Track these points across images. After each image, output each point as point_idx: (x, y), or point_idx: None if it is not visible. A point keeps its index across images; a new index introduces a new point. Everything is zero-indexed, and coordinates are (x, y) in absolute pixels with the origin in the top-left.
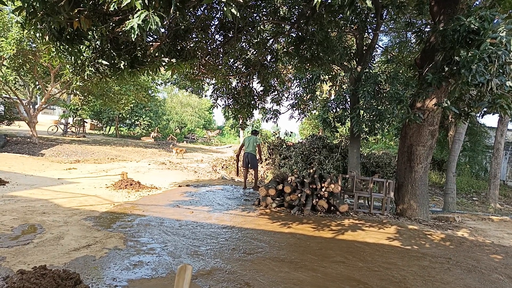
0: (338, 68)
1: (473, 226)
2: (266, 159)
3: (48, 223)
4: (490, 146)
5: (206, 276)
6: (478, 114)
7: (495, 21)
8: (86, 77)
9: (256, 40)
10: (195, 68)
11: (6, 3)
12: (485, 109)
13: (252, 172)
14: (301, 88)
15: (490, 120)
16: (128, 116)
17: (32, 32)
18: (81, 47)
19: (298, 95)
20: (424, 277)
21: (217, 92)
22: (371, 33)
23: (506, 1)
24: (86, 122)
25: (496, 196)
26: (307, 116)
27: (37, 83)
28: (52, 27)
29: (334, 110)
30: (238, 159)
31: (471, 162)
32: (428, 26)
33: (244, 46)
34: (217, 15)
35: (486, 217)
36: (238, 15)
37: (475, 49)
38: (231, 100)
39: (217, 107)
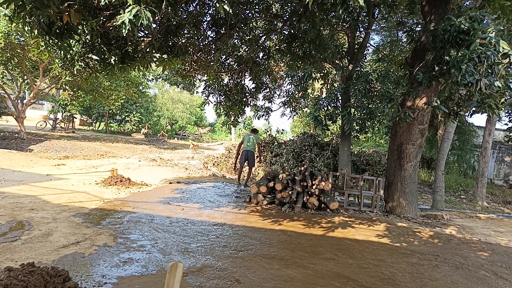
0: (330, 66)
1: (461, 223)
2: (257, 156)
3: (36, 219)
4: (478, 145)
5: (196, 273)
6: (467, 114)
7: (484, 22)
8: (75, 72)
9: (248, 37)
10: (187, 64)
11: None
12: (474, 109)
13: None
14: (293, 85)
15: (479, 120)
16: (118, 112)
17: (20, 26)
18: (70, 42)
19: (290, 93)
20: (412, 274)
21: (209, 89)
22: (363, 32)
23: (495, 2)
24: (76, 118)
25: (484, 194)
26: (299, 114)
27: (25, 77)
28: (41, 20)
29: (326, 108)
30: (238, 156)
31: (460, 160)
32: (419, 26)
33: (236, 42)
34: (209, 11)
35: (473, 215)
36: (230, 11)
37: (465, 49)
38: (222, 97)
39: (208, 103)
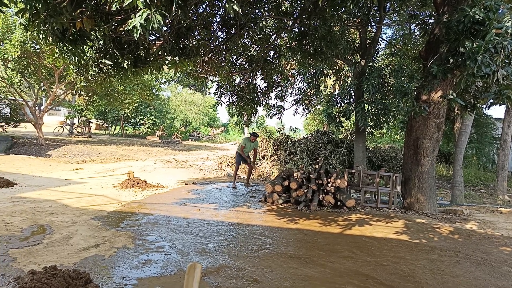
0: (342, 62)
1: (482, 218)
2: (271, 155)
3: (57, 223)
4: (497, 137)
5: (214, 273)
6: (484, 106)
7: (500, 11)
8: (90, 77)
9: (258, 36)
10: (198, 66)
11: (8, 5)
12: (491, 100)
13: (254, 170)
14: (305, 83)
15: (497, 111)
16: (133, 115)
17: (35, 34)
18: (84, 48)
19: (302, 91)
20: (433, 271)
21: (221, 89)
22: (374, 26)
23: None
24: (92, 122)
25: (505, 188)
26: (312, 112)
27: (42, 84)
28: (55, 28)
29: (339, 105)
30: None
31: (478, 154)
32: (432, 18)
33: (247, 42)
34: (219, 12)
35: (494, 209)
36: (240, 11)
37: (480, 40)
38: (235, 97)
39: (221, 104)
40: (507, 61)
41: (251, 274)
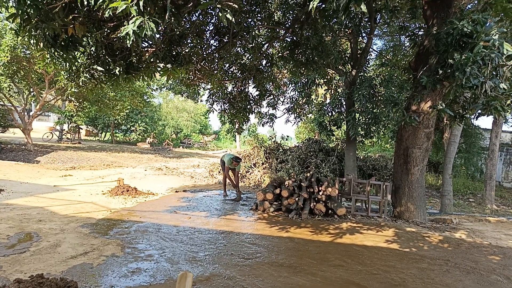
0: (333, 72)
1: (471, 227)
2: (262, 163)
3: (44, 231)
4: (485, 147)
5: (205, 282)
6: (472, 116)
7: (487, 24)
8: (81, 83)
9: (251, 45)
10: (191, 73)
11: None
12: (479, 111)
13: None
14: (296, 92)
15: (485, 122)
16: (123, 122)
17: (26, 39)
18: (75, 54)
19: (294, 99)
20: (423, 279)
21: (213, 97)
22: (365, 37)
23: (497, 5)
24: (82, 129)
25: (492, 197)
26: (303, 120)
27: (31, 89)
28: (47, 33)
29: (330, 114)
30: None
31: (467, 163)
32: (422, 30)
33: (239, 51)
34: (212, 21)
35: (483, 218)
36: (233, 20)
37: (469, 52)
38: (227, 105)
39: (213, 112)
40: (494, 73)
41: (242, 283)
